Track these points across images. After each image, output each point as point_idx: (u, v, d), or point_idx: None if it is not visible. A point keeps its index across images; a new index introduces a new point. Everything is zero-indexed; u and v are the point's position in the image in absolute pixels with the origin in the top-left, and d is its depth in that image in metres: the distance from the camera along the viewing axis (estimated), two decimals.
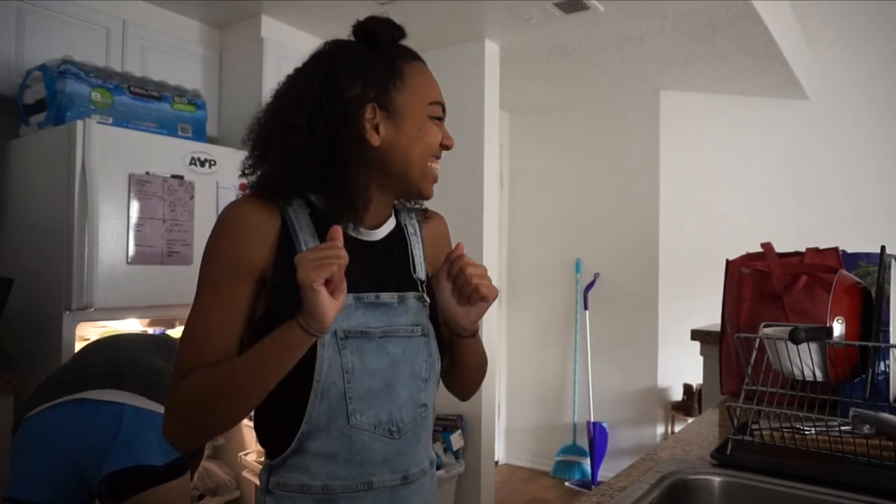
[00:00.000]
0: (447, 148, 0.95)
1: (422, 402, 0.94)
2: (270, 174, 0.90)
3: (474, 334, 1.01)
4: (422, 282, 0.99)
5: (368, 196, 0.92)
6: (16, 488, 1.42)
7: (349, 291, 0.86)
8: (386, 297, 0.93)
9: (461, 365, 1.03)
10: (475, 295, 0.94)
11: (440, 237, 1.08)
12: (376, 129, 0.89)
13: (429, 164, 0.93)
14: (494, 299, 0.95)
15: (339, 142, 0.87)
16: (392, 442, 0.90)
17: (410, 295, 0.96)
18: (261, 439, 0.94)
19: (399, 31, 0.95)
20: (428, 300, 0.98)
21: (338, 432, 0.87)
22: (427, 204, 1.06)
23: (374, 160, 0.90)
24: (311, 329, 0.79)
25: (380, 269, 0.95)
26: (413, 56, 0.95)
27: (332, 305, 0.78)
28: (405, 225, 1.02)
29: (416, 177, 0.92)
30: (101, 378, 1.49)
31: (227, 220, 0.88)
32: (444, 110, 0.95)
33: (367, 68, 0.90)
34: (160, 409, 1.42)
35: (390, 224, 0.98)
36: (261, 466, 2.61)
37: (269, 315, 0.86)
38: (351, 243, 0.88)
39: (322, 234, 0.89)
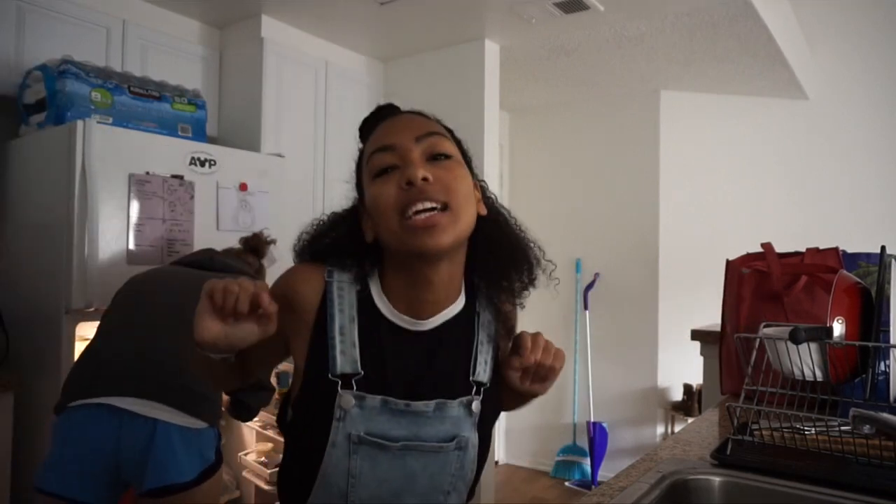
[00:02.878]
0: (411, 184, 0.77)
1: None
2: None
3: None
4: (480, 385, 0.87)
5: (390, 285, 0.85)
6: (46, 480, 1.44)
7: (379, 392, 0.80)
8: (419, 405, 0.81)
9: (510, 400, 0.97)
10: (550, 374, 0.89)
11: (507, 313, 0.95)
12: (370, 226, 0.85)
13: (399, 220, 0.78)
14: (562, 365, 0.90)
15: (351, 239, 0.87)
16: None
17: (455, 403, 0.83)
18: (279, 493, 0.94)
19: (384, 111, 0.89)
20: (478, 410, 0.85)
21: None
22: None
23: (381, 250, 0.85)
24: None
25: (421, 367, 0.84)
26: (381, 119, 0.87)
27: (212, 324, 0.73)
28: (478, 310, 0.89)
29: (396, 241, 0.79)
30: (140, 383, 1.49)
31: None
32: (394, 149, 0.81)
33: (356, 174, 0.89)
34: (196, 423, 1.51)
35: (452, 310, 0.86)
36: (261, 466, 2.60)
37: (301, 398, 0.85)
38: (393, 332, 0.84)
39: (363, 318, 0.84)
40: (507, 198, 4.45)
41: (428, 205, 0.76)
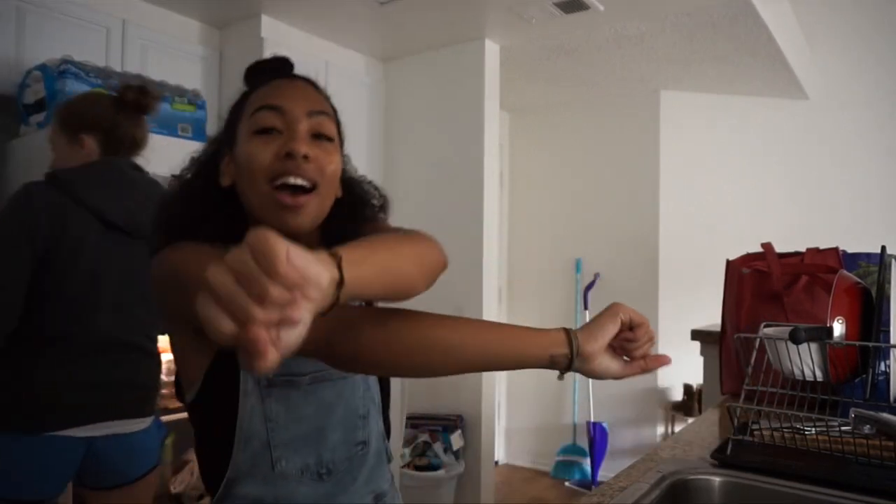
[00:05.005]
0: (291, 157, 0.76)
1: (358, 441, 0.89)
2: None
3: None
4: None
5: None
6: (22, 491, 1.45)
7: None
8: None
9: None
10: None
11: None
12: (230, 171, 0.83)
13: (267, 189, 0.76)
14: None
15: (205, 192, 0.85)
16: (321, 484, 0.85)
17: None
18: (203, 481, 0.90)
19: (278, 65, 0.86)
20: None
21: (262, 478, 0.83)
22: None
23: (240, 204, 0.82)
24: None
25: None
26: (275, 77, 0.84)
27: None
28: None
29: (259, 206, 0.78)
30: (103, 406, 1.53)
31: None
32: (283, 113, 0.78)
33: (229, 114, 0.86)
34: (146, 422, 1.61)
35: None
36: None
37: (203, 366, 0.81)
38: None
39: None
40: (507, 198, 4.45)
41: (300, 181, 0.77)
